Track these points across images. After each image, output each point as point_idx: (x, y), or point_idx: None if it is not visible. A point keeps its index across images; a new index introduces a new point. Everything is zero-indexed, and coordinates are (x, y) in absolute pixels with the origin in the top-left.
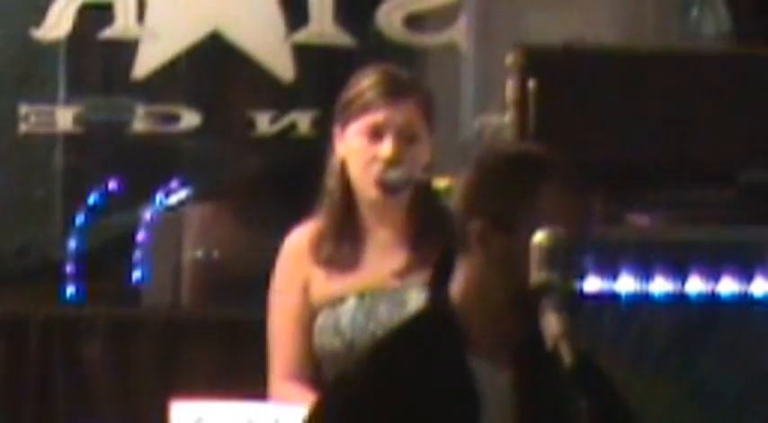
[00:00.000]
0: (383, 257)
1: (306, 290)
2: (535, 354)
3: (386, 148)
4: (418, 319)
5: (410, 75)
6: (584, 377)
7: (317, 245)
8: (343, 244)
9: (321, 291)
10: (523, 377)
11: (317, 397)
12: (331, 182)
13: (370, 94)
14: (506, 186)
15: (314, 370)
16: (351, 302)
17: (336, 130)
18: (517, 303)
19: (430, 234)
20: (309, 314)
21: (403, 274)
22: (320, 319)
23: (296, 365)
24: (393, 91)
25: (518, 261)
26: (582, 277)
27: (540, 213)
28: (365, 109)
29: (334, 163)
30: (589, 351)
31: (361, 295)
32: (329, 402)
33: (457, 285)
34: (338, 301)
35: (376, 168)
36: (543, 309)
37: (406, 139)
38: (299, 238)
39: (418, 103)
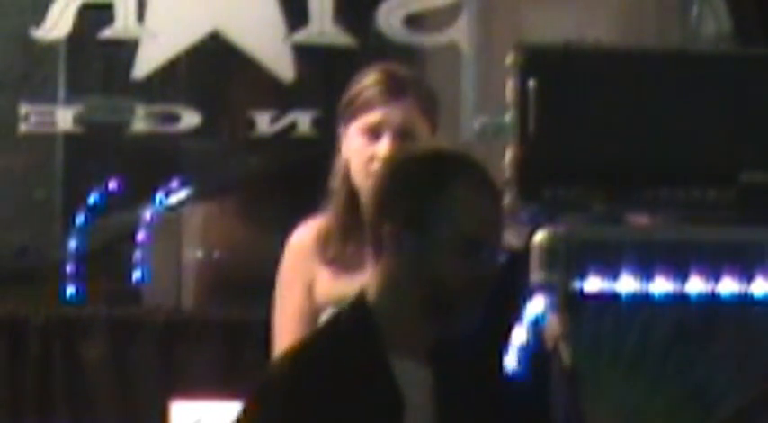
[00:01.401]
0: None
1: (310, 288)
2: (452, 351)
3: (383, 146)
4: (337, 320)
5: (411, 72)
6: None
7: (323, 245)
8: (348, 244)
9: (325, 290)
10: (442, 375)
11: (243, 404)
12: (336, 182)
13: (368, 93)
14: (416, 187)
15: None
16: None
17: (340, 130)
18: (430, 303)
19: None
20: (314, 312)
21: None
22: (323, 319)
23: None
24: (392, 89)
25: (430, 261)
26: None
27: (452, 211)
28: (364, 108)
29: (338, 163)
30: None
31: None
32: (255, 403)
33: (372, 287)
34: (342, 300)
35: (374, 167)
36: (544, 309)
37: (404, 137)
38: (303, 237)
39: (418, 102)
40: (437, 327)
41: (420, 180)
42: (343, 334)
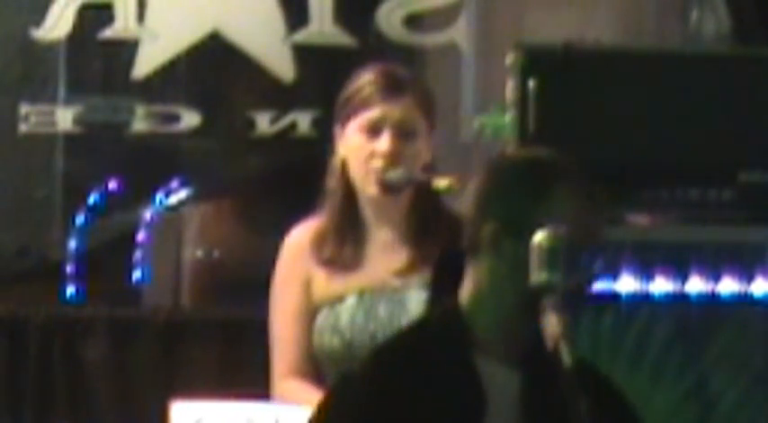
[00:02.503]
0: (384, 257)
1: (307, 287)
2: (544, 356)
3: (384, 143)
4: (426, 321)
5: (408, 71)
6: (583, 379)
7: (319, 245)
8: (345, 244)
9: (322, 290)
10: (532, 379)
11: (322, 397)
12: (332, 182)
13: (367, 91)
14: (517, 191)
15: (315, 368)
16: (350, 302)
17: (337, 129)
18: (527, 307)
19: (430, 234)
20: (310, 312)
21: (403, 273)
22: (320, 319)
23: (298, 363)
24: (390, 87)
25: (527, 266)
26: (594, 280)
27: (551, 218)
28: (363, 106)
29: (335, 163)
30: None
31: (360, 294)
32: (334, 402)
33: (467, 289)
34: (338, 300)
35: (375, 164)
36: (543, 309)
37: (404, 135)
38: (300, 236)
39: (416, 99)
40: (532, 330)
41: (521, 183)
42: (430, 333)
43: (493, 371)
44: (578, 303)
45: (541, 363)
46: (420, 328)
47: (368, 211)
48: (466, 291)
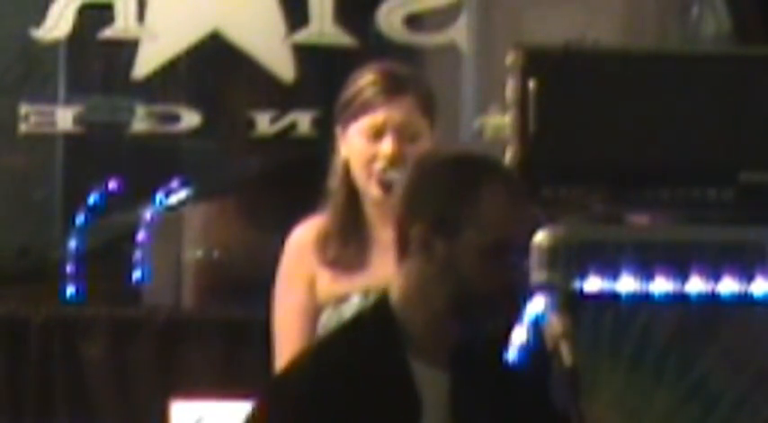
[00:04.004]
0: (388, 258)
1: (311, 287)
2: (472, 356)
3: (386, 146)
4: (359, 321)
5: (408, 70)
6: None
7: (323, 246)
8: (348, 245)
9: (326, 289)
10: (460, 379)
11: (257, 400)
12: (334, 183)
13: (368, 93)
14: (446, 190)
15: None
16: (354, 301)
17: (338, 130)
18: (457, 307)
19: None
20: (314, 311)
21: None
22: (323, 318)
23: None
24: (391, 88)
25: (459, 265)
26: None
27: (482, 215)
28: (364, 108)
29: (336, 164)
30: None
31: (365, 294)
32: (270, 402)
33: (397, 288)
34: (342, 299)
35: (377, 167)
36: (544, 309)
37: (406, 137)
38: (303, 236)
39: (417, 99)
40: (461, 330)
41: (450, 183)
42: (364, 335)
43: (424, 371)
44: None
45: (470, 364)
46: (354, 327)
47: (371, 212)
48: (396, 290)
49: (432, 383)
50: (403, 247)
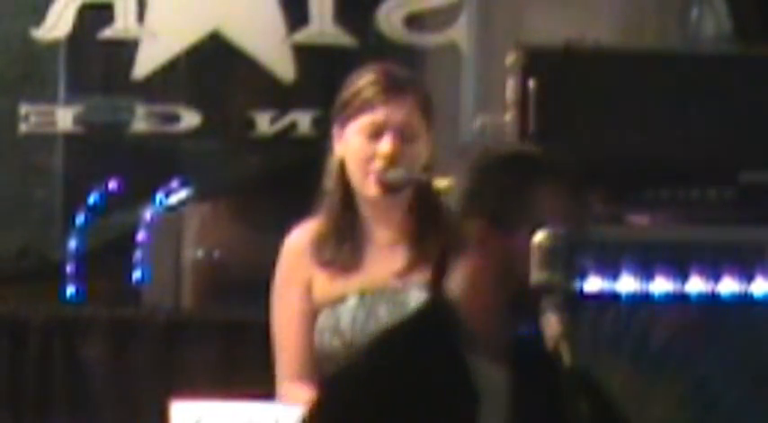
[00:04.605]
0: (384, 258)
1: (308, 289)
2: (532, 353)
3: (385, 146)
4: (417, 318)
5: (407, 71)
6: (584, 381)
7: (319, 246)
8: (344, 245)
9: (323, 291)
10: (518, 376)
11: (315, 394)
12: (330, 182)
13: (367, 93)
14: (503, 187)
15: (317, 369)
16: (351, 302)
17: (335, 129)
18: (514, 303)
19: (431, 234)
20: (312, 313)
21: (404, 274)
22: (320, 319)
23: (302, 365)
24: (391, 88)
25: (516, 261)
26: (582, 277)
27: (538, 213)
28: (363, 108)
29: (332, 163)
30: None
31: (362, 295)
32: (327, 400)
33: (456, 285)
34: (339, 301)
35: (375, 166)
36: (543, 309)
37: (405, 137)
38: (300, 237)
39: (416, 100)
40: (520, 328)
41: (506, 180)
42: (421, 329)
43: (483, 368)
44: (570, 302)
45: (531, 360)
46: (412, 323)
47: (368, 212)
48: (455, 286)
49: (489, 378)
50: (460, 243)
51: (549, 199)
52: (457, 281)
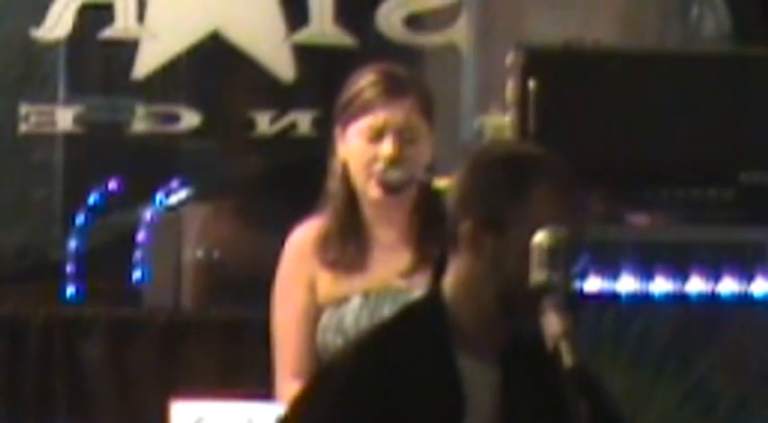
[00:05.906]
0: (388, 258)
1: (312, 288)
2: (523, 354)
3: (386, 147)
4: (408, 315)
5: (408, 71)
6: (585, 381)
7: (322, 247)
8: (348, 246)
9: (327, 291)
10: (510, 377)
11: (303, 386)
12: (333, 184)
13: (368, 94)
14: (496, 187)
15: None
16: (355, 302)
17: (337, 131)
18: (506, 304)
19: (433, 234)
20: (315, 313)
21: (408, 274)
22: (324, 319)
23: (302, 365)
24: (391, 90)
25: (508, 262)
26: (580, 277)
27: (531, 214)
28: (364, 109)
29: (335, 164)
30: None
31: (365, 295)
32: (315, 393)
33: (448, 284)
34: (343, 300)
35: (377, 167)
36: (543, 309)
37: (406, 138)
38: (303, 237)
39: (417, 101)
40: (511, 329)
41: (499, 180)
42: (411, 327)
43: (472, 367)
44: (570, 302)
45: (522, 362)
46: (403, 320)
47: (370, 213)
48: (447, 285)
49: (479, 378)
50: (453, 243)
51: (543, 200)
52: (449, 280)
